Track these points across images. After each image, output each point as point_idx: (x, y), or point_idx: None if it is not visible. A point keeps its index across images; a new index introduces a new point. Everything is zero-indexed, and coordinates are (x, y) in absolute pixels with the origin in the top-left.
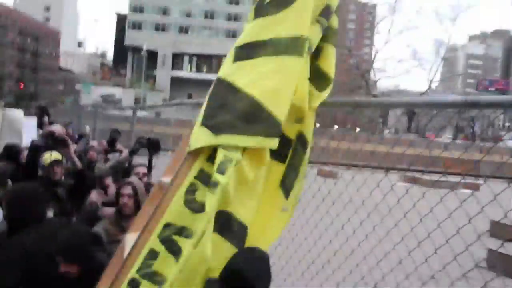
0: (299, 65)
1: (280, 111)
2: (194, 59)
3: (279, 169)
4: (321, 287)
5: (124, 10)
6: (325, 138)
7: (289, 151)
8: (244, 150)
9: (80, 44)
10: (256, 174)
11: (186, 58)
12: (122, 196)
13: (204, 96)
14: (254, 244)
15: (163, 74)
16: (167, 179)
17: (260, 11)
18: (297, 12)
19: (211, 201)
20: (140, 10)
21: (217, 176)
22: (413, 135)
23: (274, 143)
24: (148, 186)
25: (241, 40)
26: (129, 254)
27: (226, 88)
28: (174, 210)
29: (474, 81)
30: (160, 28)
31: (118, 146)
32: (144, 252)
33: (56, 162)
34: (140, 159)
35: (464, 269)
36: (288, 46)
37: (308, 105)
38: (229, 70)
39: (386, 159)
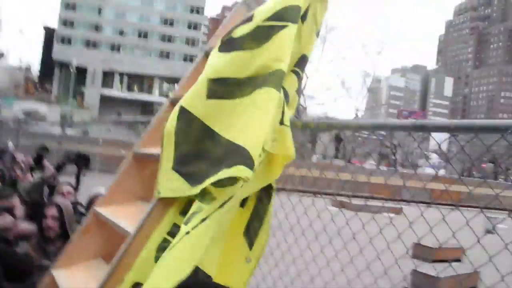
0: (277, 98)
1: (257, 151)
2: (125, 78)
3: (242, 215)
4: None
5: (54, 23)
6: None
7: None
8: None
9: (1, 55)
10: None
11: (117, 77)
12: (46, 217)
13: (134, 115)
14: None
15: (93, 91)
16: (102, 210)
17: (234, 44)
18: (277, 46)
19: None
20: (71, 24)
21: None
22: (340, 161)
23: (248, 172)
24: (75, 205)
25: (213, 71)
26: None
27: (203, 131)
28: (143, 268)
29: (396, 111)
30: (91, 44)
31: (45, 163)
32: None
33: None
34: (68, 177)
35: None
36: (264, 80)
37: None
38: (203, 109)
39: (316, 184)
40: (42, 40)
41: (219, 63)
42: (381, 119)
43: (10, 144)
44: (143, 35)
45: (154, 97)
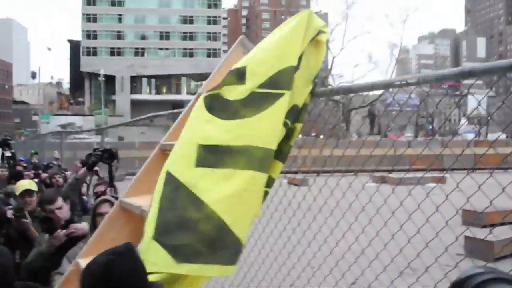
0: (263, 182)
1: (245, 234)
2: (153, 81)
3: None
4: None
5: (77, 36)
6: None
7: None
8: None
9: (33, 75)
10: None
11: (144, 81)
12: (100, 215)
13: (165, 119)
14: None
15: (123, 98)
16: (129, 200)
17: (227, 109)
18: (271, 120)
19: None
20: (94, 36)
21: None
22: (376, 136)
23: (232, 270)
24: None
25: (204, 137)
26: None
27: (189, 200)
28: None
29: None
30: (115, 53)
31: (77, 164)
32: None
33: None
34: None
35: (440, 258)
36: (260, 161)
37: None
38: (190, 176)
39: (354, 162)
40: (69, 55)
41: (210, 129)
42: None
43: (56, 154)
44: (164, 36)
45: (183, 96)
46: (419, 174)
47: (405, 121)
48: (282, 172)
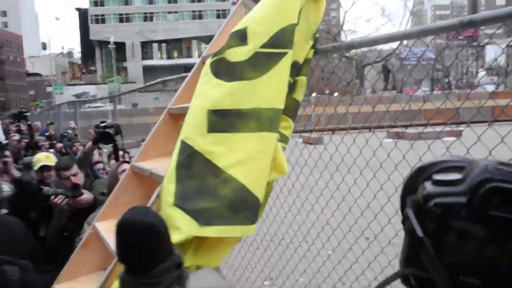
0: (274, 141)
1: (262, 193)
2: (163, 45)
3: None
4: (323, 246)
5: (85, 4)
6: (306, 106)
7: None
8: None
9: (44, 46)
10: None
11: (155, 46)
12: (121, 174)
13: (178, 83)
14: None
15: (134, 65)
16: (138, 164)
17: (232, 72)
18: (276, 80)
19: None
20: (101, 3)
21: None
22: (391, 92)
23: (253, 229)
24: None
25: (213, 103)
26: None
27: (206, 167)
28: None
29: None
30: (124, 19)
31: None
32: None
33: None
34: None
35: None
36: (270, 121)
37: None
38: (204, 143)
39: (369, 119)
40: (78, 23)
41: (218, 93)
42: (426, 44)
43: (72, 124)
44: (172, 0)
45: (194, 59)
46: (437, 129)
47: (420, 75)
48: (296, 131)
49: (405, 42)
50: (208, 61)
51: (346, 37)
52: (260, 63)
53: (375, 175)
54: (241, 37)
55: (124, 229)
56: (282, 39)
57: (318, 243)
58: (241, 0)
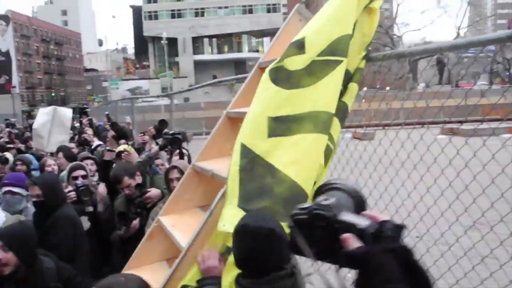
0: (325, 142)
1: (311, 191)
2: (214, 40)
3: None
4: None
5: (139, 1)
6: (356, 101)
7: None
8: None
9: (100, 42)
10: None
11: (205, 41)
12: (171, 181)
13: (228, 76)
14: None
15: (186, 59)
16: (200, 164)
17: (291, 80)
18: (331, 86)
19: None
20: (154, 0)
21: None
22: (446, 86)
23: None
24: None
25: (273, 109)
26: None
27: (264, 168)
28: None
29: (505, 21)
30: (176, 15)
31: (151, 144)
32: None
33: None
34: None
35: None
36: (324, 124)
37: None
38: (264, 147)
39: (423, 114)
40: (132, 20)
41: (278, 101)
42: (488, 33)
43: (128, 119)
44: None
45: (244, 54)
46: (493, 125)
47: (478, 68)
48: (348, 127)
49: (461, 34)
50: (268, 69)
51: (399, 30)
52: (317, 70)
53: (428, 169)
54: (299, 46)
55: (245, 234)
56: (338, 48)
57: None
58: (296, 7)
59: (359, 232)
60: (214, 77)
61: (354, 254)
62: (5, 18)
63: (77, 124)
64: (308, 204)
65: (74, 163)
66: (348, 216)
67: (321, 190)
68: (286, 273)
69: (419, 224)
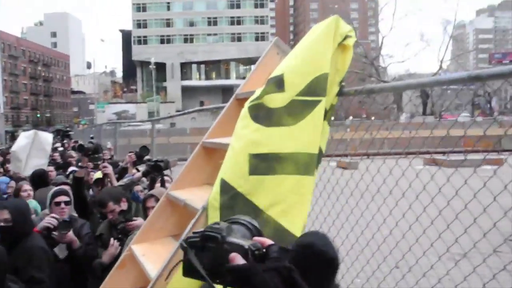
0: (313, 184)
1: (300, 230)
2: (202, 66)
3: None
4: (357, 276)
5: (128, 26)
6: (341, 130)
7: None
8: None
9: (89, 65)
10: None
11: (194, 67)
12: (148, 209)
13: (215, 104)
14: None
15: (173, 85)
16: (173, 193)
17: (271, 117)
18: (311, 126)
19: None
20: (144, 25)
21: None
22: (429, 117)
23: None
24: None
25: (254, 146)
26: None
27: (247, 208)
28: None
29: (486, 55)
30: (165, 40)
31: (133, 170)
32: None
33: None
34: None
35: (494, 245)
36: (307, 166)
37: None
38: (246, 185)
39: (405, 144)
40: (121, 44)
41: (259, 138)
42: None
43: (109, 144)
44: (212, 22)
45: (232, 80)
46: (476, 156)
47: (462, 99)
48: (328, 155)
49: (444, 66)
50: (247, 105)
51: (384, 61)
52: (297, 110)
53: (397, 203)
54: (278, 83)
55: (312, 254)
56: (316, 88)
57: (351, 271)
58: (273, 41)
59: (245, 252)
60: (201, 103)
61: (238, 269)
62: None
63: (60, 148)
64: (201, 229)
65: (58, 188)
66: (235, 238)
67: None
68: None
69: (407, 254)
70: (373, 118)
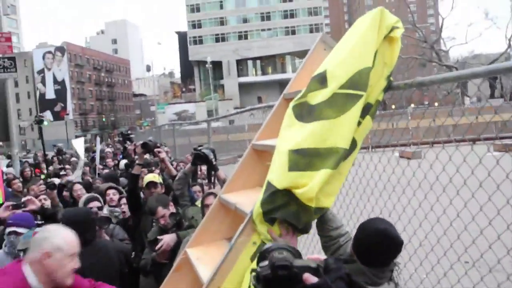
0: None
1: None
2: (258, 62)
3: None
4: (415, 271)
5: (184, 27)
6: (403, 119)
7: None
8: None
9: (148, 68)
10: None
11: (249, 63)
12: (206, 206)
13: (273, 99)
14: None
15: (231, 82)
16: (225, 196)
17: (313, 113)
18: (351, 121)
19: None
20: (199, 25)
21: None
22: (497, 100)
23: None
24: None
25: (294, 143)
26: None
27: (288, 197)
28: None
29: None
30: (220, 39)
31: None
32: None
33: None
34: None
35: None
36: (340, 160)
37: None
38: (285, 181)
39: (478, 132)
40: (177, 45)
41: (299, 135)
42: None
43: (166, 148)
44: (265, 17)
45: (288, 74)
46: None
47: None
48: (393, 145)
49: None
50: (291, 105)
51: (445, 44)
52: (339, 103)
53: (473, 195)
54: (321, 80)
55: (385, 237)
56: (359, 82)
57: (409, 266)
58: (319, 37)
59: (314, 270)
60: (259, 98)
61: (317, 286)
62: (61, 49)
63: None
64: (264, 263)
65: (89, 194)
66: (301, 262)
67: (264, 254)
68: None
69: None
70: (436, 104)
